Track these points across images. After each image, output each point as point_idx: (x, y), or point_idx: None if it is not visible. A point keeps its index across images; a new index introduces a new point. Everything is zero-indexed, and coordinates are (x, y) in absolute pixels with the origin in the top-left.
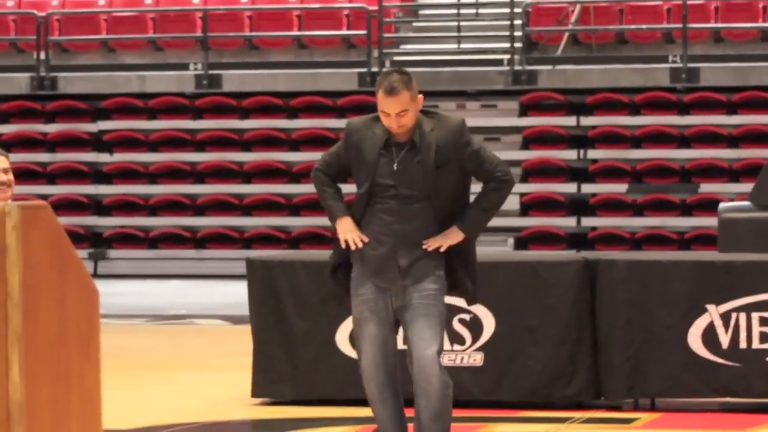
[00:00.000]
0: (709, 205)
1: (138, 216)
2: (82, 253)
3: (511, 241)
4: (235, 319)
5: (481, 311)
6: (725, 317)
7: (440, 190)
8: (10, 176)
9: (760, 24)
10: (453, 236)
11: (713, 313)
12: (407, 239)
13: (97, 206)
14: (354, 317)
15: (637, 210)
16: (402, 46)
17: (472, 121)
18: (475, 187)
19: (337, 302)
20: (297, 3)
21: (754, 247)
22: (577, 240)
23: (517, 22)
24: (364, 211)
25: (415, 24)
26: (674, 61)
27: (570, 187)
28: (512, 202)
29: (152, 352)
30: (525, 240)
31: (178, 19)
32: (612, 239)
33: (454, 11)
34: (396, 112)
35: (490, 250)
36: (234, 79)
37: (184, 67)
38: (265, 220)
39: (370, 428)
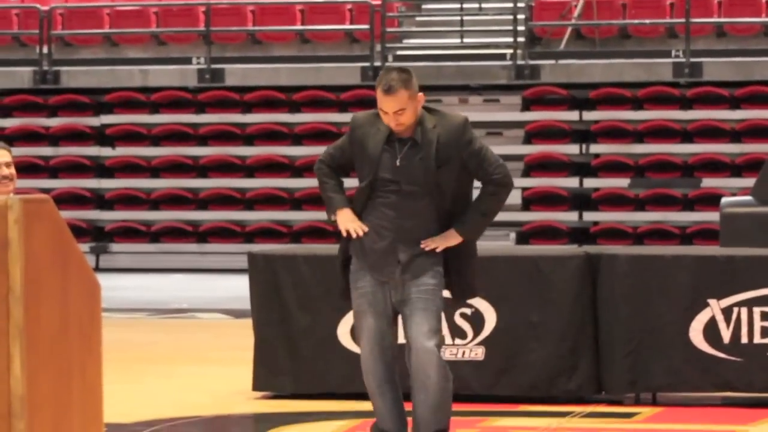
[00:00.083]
0: (711, 200)
1: (140, 210)
2: (84, 247)
3: (513, 235)
4: (237, 313)
5: (482, 305)
6: (727, 312)
7: (442, 187)
8: (13, 170)
9: (763, 19)
10: (451, 238)
11: (715, 307)
12: (407, 234)
13: (99, 200)
14: (354, 310)
15: (639, 205)
16: (405, 41)
17: (474, 116)
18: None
19: (348, 297)
20: None
21: (756, 241)
22: (579, 234)
23: (520, 16)
24: (365, 205)
25: (418, 18)
26: (677, 56)
27: (572, 182)
28: (514, 197)
29: (154, 345)
30: (527, 234)
31: (180, 14)
32: (614, 234)
33: (457, 5)
34: (393, 110)
35: (492, 244)
36: (237, 74)
37: (187, 61)
38: (267, 214)
39: (370, 421)
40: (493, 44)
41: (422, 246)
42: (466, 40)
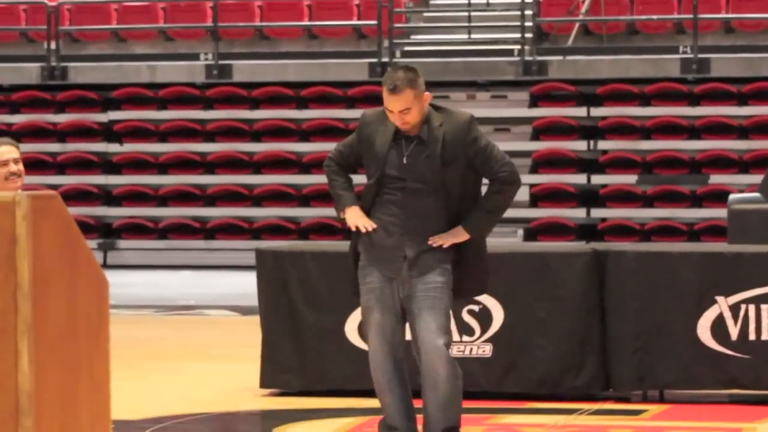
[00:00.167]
0: (719, 197)
1: (148, 206)
2: (92, 244)
3: (520, 232)
4: (245, 310)
5: (490, 302)
6: (734, 309)
7: (448, 185)
8: (21, 166)
9: None
10: (458, 235)
11: (722, 304)
12: (415, 231)
13: (106, 196)
14: (362, 306)
15: (647, 201)
16: (412, 37)
17: (482, 112)
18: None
19: (359, 294)
20: None
21: (764, 238)
22: (587, 231)
23: (528, 12)
24: (373, 202)
25: (425, 14)
26: (685, 52)
27: (580, 178)
28: (522, 193)
29: (161, 342)
30: (534, 231)
31: (188, 9)
32: (622, 230)
33: (465, 1)
34: (399, 109)
35: (500, 241)
36: (244, 70)
37: (195, 57)
38: (275, 210)
39: (378, 418)
40: (500, 40)
41: (429, 242)
42: (473, 36)
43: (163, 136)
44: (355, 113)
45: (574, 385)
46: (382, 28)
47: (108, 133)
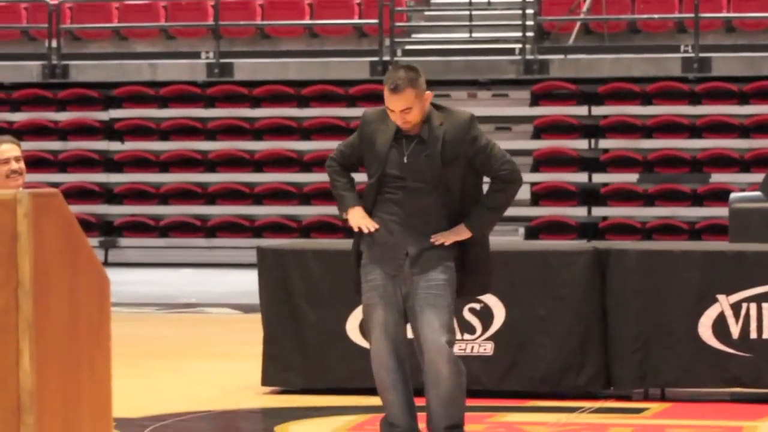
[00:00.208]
0: (720, 195)
1: (149, 204)
2: (93, 242)
3: (521, 230)
4: (246, 308)
5: (491, 300)
6: (736, 307)
7: (449, 184)
8: (22, 164)
9: None
10: (460, 233)
11: (724, 303)
12: (416, 229)
13: (108, 194)
14: (364, 303)
15: (648, 200)
16: (414, 35)
17: (483, 111)
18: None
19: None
20: None
21: (765, 237)
22: (588, 230)
23: (529, 11)
24: (374, 201)
25: (426, 13)
26: (686, 51)
27: (581, 177)
28: (523, 192)
29: (162, 340)
30: (536, 229)
31: (189, 8)
32: (623, 229)
33: (466, 0)
34: (400, 109)
35: (501, 239)
36: (245, 68)
37: (196, 55)
38: (276, 208)
39: (379, 416)
40: (501, 39)
41: (432, 240)
42: (474, 34)
43: (165, 135)
44: (356, 112)
45: (576, 384)
46: (383, 26)
47: (109, 131)
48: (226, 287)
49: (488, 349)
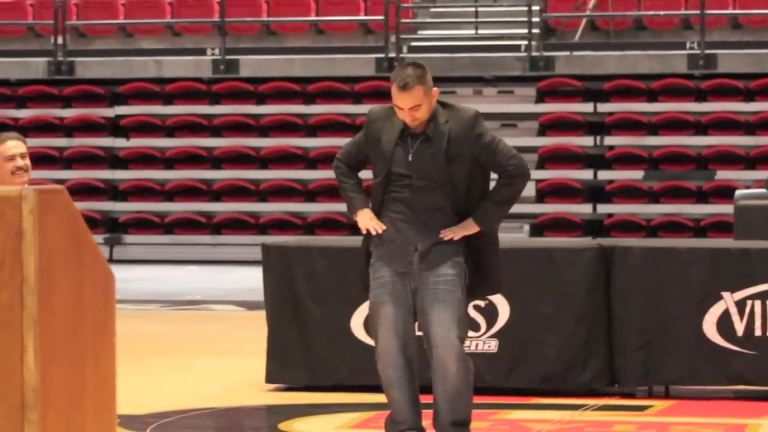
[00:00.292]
0: (725, 193)
1: (154, 201)
2: (98, 238)
3: (526, 227)
4: (250, 305)
5: (496, 298)
6: (740, 305)
7: (454, 181)
8: (27, 161)
9: None
10: (468, 227)
11: (728, 300)
12: (424, 227)
13: (113, 191)
14: (371, 301)
15: (654, 197)
16: (419, 32)
17: (488, 107)
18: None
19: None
20: None
21: None
22: (593, 227)
23: (535, 7)
24: (382, 200)
25: (432, 9)
26: (692, 48)
27: (586, 174)
28: (528, 189)
29: (167, 337)
30: (541, 226)
31: (195, 4)
32: (628, 226)
33: None
34: (409, 106)
35: (506, 236)
36: (251, 65)
37: (202, 52)
38: (281, 205)
39: (384, 414)
40: (507, 35)
41: (440, 236)
42: (480, 31)
43: (170, 131)
44: (361, 108)
45: (580, 381)
46: (389, 23)
47: (114, 127)
48: (230, 284)
49: (492, 346)
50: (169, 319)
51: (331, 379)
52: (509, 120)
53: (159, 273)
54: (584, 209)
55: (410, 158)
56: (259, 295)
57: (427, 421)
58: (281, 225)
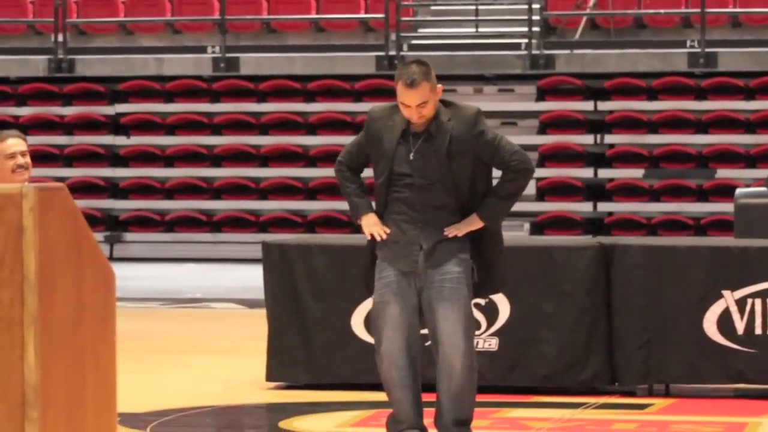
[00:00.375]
0: (725, 191)
1: (154, 199)
2: (99, 236)
3: (527, 225)
4: (251, 303)
5: (496, 296)
6: (741, 303)
7: (456, 179)
8: (28, 159)
9: None
10: (472, 223)
11: (729, 298)
12: (428, 225)
13: (113, 189)
14: (375, 301)
15: (654, 195)
16: (420, 30)
17: (489, 106)
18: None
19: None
20: None
21: None
22: (594, 225)
23: (535, 6)
24: (386, 202)
25: (432, 8)
26: (692, 46)
27: (587, 172)
28: (528, 187)
29: (167, 335)
30: (541, 225)
31: (195, 2)
32: (628, 224)
33: None
34: (416, 103)
35: (506, 234)
36: (251, 63)
37: (202, 50)
38: (282, 203)
39: (385, 412)
40: (507, 34)
41: (445, 233)
42: (481, 29)
43: (170, 129)
44: (362, 107)
45: (580, 379)
46: (390, 21)
47: (115, 125)
48: (231, 282)
49: (493, 344)
50: (169, 317)
51: (331, 377)
52: (509, 118)
53: (159, 271)
54: (584, 207)
55: (411, 157)
56: (260, 293)
57: (428, 419)
58: (281, 223)
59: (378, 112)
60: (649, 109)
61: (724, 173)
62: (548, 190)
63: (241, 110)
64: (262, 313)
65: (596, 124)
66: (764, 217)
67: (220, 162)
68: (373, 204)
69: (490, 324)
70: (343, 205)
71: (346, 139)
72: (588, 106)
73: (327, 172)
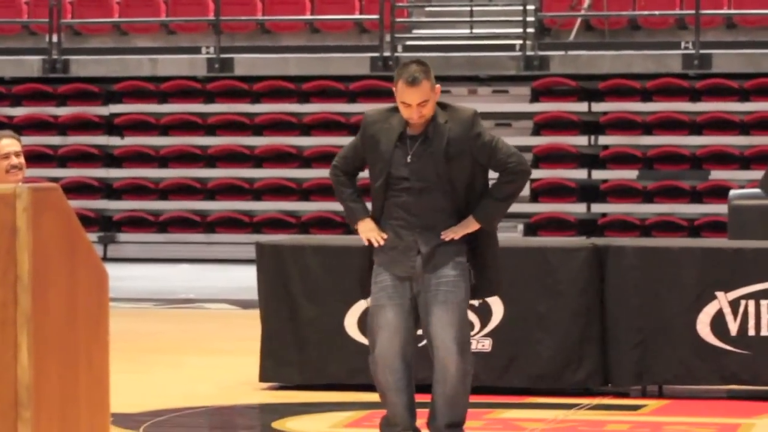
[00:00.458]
0: (719, 192)
1: (148, 200)
2: (92, 237)
3: (521, 227)
4: (244, 304)
5: (490, 297)
6: (734, 304)
7: (454, 182)
8: (22, 159)
9: None
10: (468, 225)
11: (722, 300)
12: (425, 230)
13: (107, 189)
14: (371, 305)
15: (648, 196)
16: (414, 31)
17: (483, 107)
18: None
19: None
20: None
21: (764, 234)
22: (588, 226)
23: (530, 7)
24: (383, 206)
25: (427, 9)
26: (686, 48)
27: (581, 174)
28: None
29: (161, 336)
30: (535, 226)
31: (190, 3)
32: (622, 226)
33: None
34: (417, 102)
35: (500, 236)
36: (246, 63)
37: (196, 50)
38: (276, 204)
39: (378, 413)
40: (502, 35)
41: (441, 237)
42: (475, 30)
43: (164, 130)
44: (356, 108)
45: (574, 380)
46: (384, 22)
47: (109, 126)
48: (224, 283)
49: (486, 345)
50: (162, 317)
51: (325, 377)
52: (504, 119)
53: (153, 271)
54: (578, 209)
55: (408, 159)
56: (253, 294)
57: (421, 420)
58: (275, 224)
59: (374, 116)
60: (643, 111)
61: (718, 175)
62: (542, 191)
63: (236, 111)
64: (256, 313)
65: (590, 126)
66: (758, 218)
67: (214, 163)
68: (370, 207)
69: (483, 325)
70: (336, 206)
71: (341, 140)
72: (582, 107)
73: (321, 173)
